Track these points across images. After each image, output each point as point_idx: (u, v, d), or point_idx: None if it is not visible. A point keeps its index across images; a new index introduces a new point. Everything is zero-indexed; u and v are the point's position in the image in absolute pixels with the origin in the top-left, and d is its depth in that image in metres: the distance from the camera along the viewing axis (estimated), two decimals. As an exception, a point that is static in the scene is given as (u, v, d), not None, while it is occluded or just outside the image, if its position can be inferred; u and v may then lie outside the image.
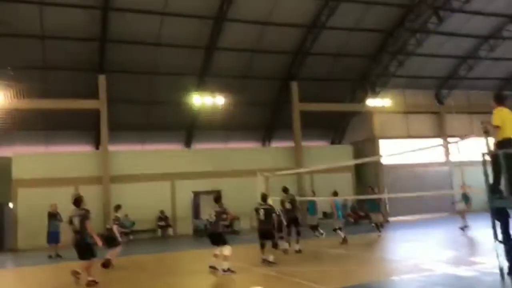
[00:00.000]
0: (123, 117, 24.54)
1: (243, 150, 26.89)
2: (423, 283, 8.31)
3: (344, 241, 15.28)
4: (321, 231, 17.84)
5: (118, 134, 24.58)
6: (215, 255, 10.98)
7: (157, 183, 24.05)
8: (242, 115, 26.43)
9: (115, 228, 13.12)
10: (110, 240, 12.87)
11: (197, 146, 27.15)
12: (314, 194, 18.92)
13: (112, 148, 23.75)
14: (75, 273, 10.22)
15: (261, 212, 11.95)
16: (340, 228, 16.09)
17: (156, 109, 25.34)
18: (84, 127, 24.66)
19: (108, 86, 22.89)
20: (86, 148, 25.00)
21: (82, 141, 25.08)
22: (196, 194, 25.15)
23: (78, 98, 22.69)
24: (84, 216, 10.23)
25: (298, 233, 13.80)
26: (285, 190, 14.21)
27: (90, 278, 9.99)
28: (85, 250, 10.16)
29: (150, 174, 24.09)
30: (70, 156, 23.44)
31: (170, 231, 23.71)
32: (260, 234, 12.06)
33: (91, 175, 23.12)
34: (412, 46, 26.26)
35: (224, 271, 10.60)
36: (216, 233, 11.16)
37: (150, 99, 24.97)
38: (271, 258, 11.57)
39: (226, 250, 10.79)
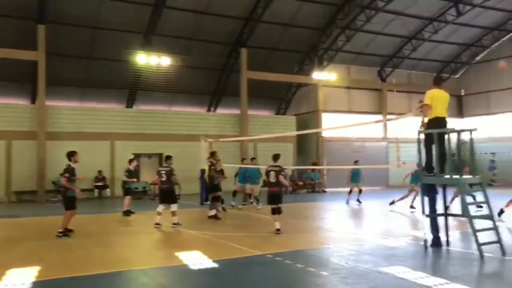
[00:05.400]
0: (63, 71, 23.40)
1: (187, 114, 26.57)
2: (353, 252, 8.70)
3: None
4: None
5: (56, 89, 23.49)
6: (159, 213, 12.12)
7: (96, 142, 23.34)
8: (188, 78, 25.97)
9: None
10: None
11: (140, 107, 26.49)
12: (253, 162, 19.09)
13: (49, 103, 22.72)
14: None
15: (272, 174, 11.10)
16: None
17: (98, 66, 24.37)
18: (19, 79, 23.32)
19: (48, 38, 21.69)
20: (21, 101, 23.71)
21: (17, 94, 23.73)
22: (137, 156, 24.66)
23: (15, 48, 21.33)
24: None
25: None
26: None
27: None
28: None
29: (89, 133, 23.34)
30: (4, 109, 22.20)
31: (107, 192, 23.26)
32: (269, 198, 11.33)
33: (26, 130, 22.09)
34: (361, 22, 26.67)
35: (174, 224, 12.02)
36: (169, 191, 12.38)
37: (92, 54, 23.95)
38: (278, 225, 10.94)
39: (175, 206, 12.20)
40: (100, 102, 25.40)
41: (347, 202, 18.50)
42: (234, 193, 17.32)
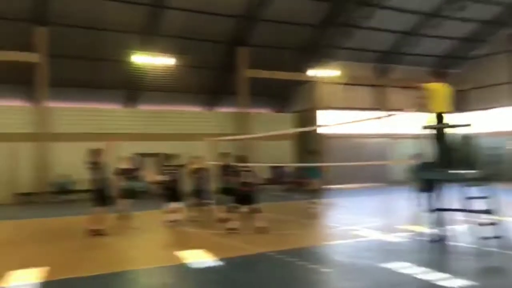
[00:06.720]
0: (64, 73, 23.42)
1: (187, 114, 26.62)
2: (355, 249, 8.76)
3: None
4: None
5: (58, 90, 23.48)
6: (171, 211, 12.15)
7: (98, 143, 23.29)
8: (187, 77, 26.01)
9: None
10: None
11: (140, 107, 26.54)
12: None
13: (51, 104, 22.79)
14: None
15: (246, 174, 11.13)
16: None
17: (98, 66, 24.40)
18: (20, 81, 23.35)
19: (49, 40, 21.80)
20: (22, 104, 23.75)
21: (17, 96, 23.75)
22: (136, 156, 24.69)
23: (16, 50, 21.36)
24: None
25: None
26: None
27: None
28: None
29: (91, 134, 23.35)
30: (5, 111, 22.29)
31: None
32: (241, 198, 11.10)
33: (28, 131, 22.15)
34: (359, 19, 26.67)
35: (171, 221, 11.97)
36: (175, 189, 12.29)
37: (92, 55, 23.98)
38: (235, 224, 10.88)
39: (178, 204, 12.19)
40: (101, 103, 25.45)
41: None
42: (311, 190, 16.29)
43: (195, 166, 14.35)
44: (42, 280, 6.88)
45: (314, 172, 16.22)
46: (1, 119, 21.95)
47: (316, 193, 15.90)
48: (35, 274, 7.15)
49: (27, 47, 21.67)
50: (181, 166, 12.92)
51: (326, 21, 26.84)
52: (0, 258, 8.82)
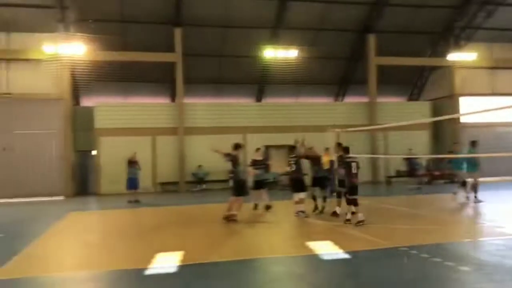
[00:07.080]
0: (197, 71, 25.01)
1: (315, 105, 26.54)
2: (499, 247, 7.93)
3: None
4: None
5: (192, 87, 25.15)
6: (298, 202, 12.27)
7: (229, 136, 24.42)
8: (315, 69, 25.92)
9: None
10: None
11: (268, 100, 27.17)
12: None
13: (186, 100, 24.38)
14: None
15: (354, 165, 10.89)
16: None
17: (228, 63, 25.53)
18: (160, 80, 25.45)
19: (184, 40, 23.31)
20: (162, 100, 25.86)
21: (158, 93, 25.95)
22: (268, 148, 25.32)
23: (156, 51, 23.37)
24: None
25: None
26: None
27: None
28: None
29: (223, 127, 24.51)
30: (148, 107, 24.39)
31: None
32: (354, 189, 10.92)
33: (167, 126, 24.01)
34: (503, -5, 24.18)
35: (298, 212, 12.16)
36: (298, 180, 12.48)
37: (223, 52, 25.13)
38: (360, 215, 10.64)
39: (302, 195, 12.34)
40: (231, 97, 26.60)
41: None
42: (464, 183, 15.13)
43: (307, 151, 13.61)
44: (179, 264, 7.35)
45: (470, 164, 14.62)
46: (146, 115, 24.07)
47: (462, 186, 14.75)
48: (173, 258, 7.68)
49: (165, 47, 23.44)
50: (302, 157, 12.76)
51: (466, 1, 24.75)
52: (145, 241, 9.66)
